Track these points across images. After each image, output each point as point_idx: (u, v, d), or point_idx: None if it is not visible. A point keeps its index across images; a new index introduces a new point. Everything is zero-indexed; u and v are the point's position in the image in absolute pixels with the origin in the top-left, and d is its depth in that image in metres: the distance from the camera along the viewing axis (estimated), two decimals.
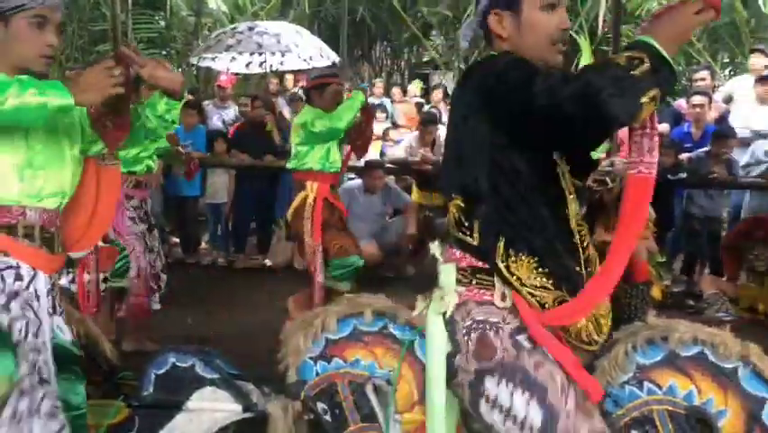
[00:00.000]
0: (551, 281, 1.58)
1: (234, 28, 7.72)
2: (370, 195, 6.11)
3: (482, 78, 1.59)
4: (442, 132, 6.59)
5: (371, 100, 8.73)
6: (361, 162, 5.91)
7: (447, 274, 1.63)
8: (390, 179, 6.53)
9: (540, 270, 1.57)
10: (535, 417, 1.52)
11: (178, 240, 6.85)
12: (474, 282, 1.60)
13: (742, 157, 5.66)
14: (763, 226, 4.99)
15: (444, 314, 1.62)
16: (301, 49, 7.42)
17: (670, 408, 2.37)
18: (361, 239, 5.89)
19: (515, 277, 1.56)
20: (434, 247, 1.67)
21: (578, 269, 1.63)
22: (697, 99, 5.88)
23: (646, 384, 2.42)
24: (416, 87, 9.58)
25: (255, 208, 6.64)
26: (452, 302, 1.61)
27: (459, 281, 1.61)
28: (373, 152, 7.57)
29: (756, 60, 6.58)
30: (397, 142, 7.06)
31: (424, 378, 2.58)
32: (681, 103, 6.60)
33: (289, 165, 4.30)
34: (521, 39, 1.63)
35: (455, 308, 1.61)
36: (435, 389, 1.68)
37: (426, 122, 6.57)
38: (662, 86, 1.38)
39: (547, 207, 1.60)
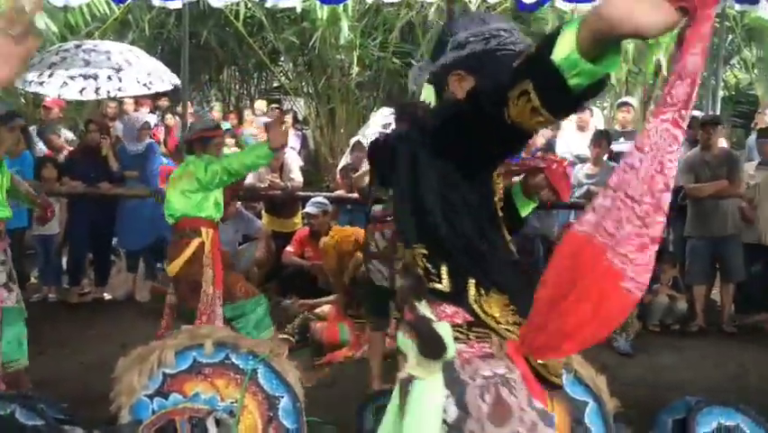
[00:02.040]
0: (520, 318, 1.51)
1: (61, 46, 7.29)
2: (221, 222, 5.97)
3: (430, 119, 1.55)
4: (290, 156, 6.59)
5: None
6: None
7: (445, 334, 1.48)
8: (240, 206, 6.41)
9: (510, 307, 1.52)
10: None
11: None
12: (472, 336, 1.49)
13: None
14: None
15: (444, 375, 1.48)
16: (135, 69, 7.14)
17: None
18: None
19: (490, 317, 1.50)
20: (423, 307, 1.50)
21: None
22: None
23: None
24: (263, 105, 9.64)
25: (91, 239, 6.23)
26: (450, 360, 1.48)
27: (457, 339, 1.48)
28: None
29: None
30: None
31: (268, 406, 2.56)
32: None
33: (174, 212, 3.94)
34: None
35: (461, 368, 1.48)
36: None
37: None
38: (533, 78, 1.24)
39: (500, 239, 1.58)
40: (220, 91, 13.41)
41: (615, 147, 6.40)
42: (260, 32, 10.78)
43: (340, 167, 6.50)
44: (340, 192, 6.32)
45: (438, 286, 1.51)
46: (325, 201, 5.70)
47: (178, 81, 7.48)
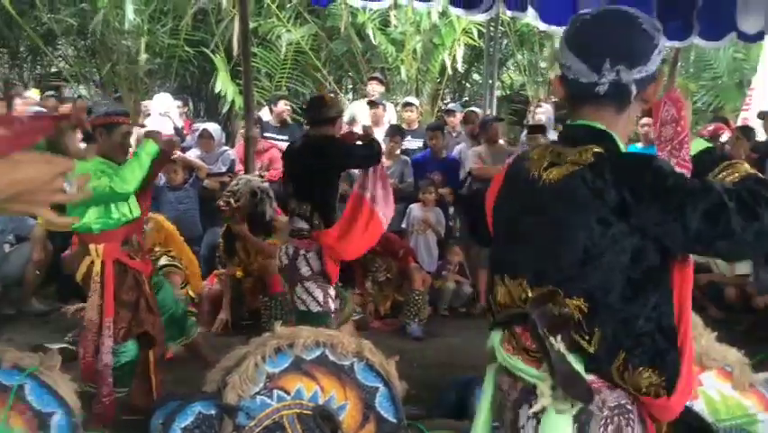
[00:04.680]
0: (664, 382, 1.46)
1: None
2: None
3: (636, 176, 1.41)
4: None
5: None
6: None
7: (577, 364, 1.44)
8: None
9: (658, 377, 1.45)
10: None
11: None
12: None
13: None
14: (380, 242, 5.57)
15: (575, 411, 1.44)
16: None
17: (298, 411, 2.51)
18: None
19: (629, 384, 1.45)
20: (556, 342, 1.41)
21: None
22: None
23: (276, 392, 2.52)
24: (34, 93, 8.74)
25: None
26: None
27: (586, 368, 1.45)
28: None
29: (373, 87, 7.47)
30: None
31: (38, 425, 2.31)
32: None
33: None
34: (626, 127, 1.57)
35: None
36: None
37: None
38: None
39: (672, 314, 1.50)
40: None
41: (404, 144, 6.71)
42: (32, 11, 9.76)
43: None
44: None
45: (583, 343, 1.44)
46: None
47: None
